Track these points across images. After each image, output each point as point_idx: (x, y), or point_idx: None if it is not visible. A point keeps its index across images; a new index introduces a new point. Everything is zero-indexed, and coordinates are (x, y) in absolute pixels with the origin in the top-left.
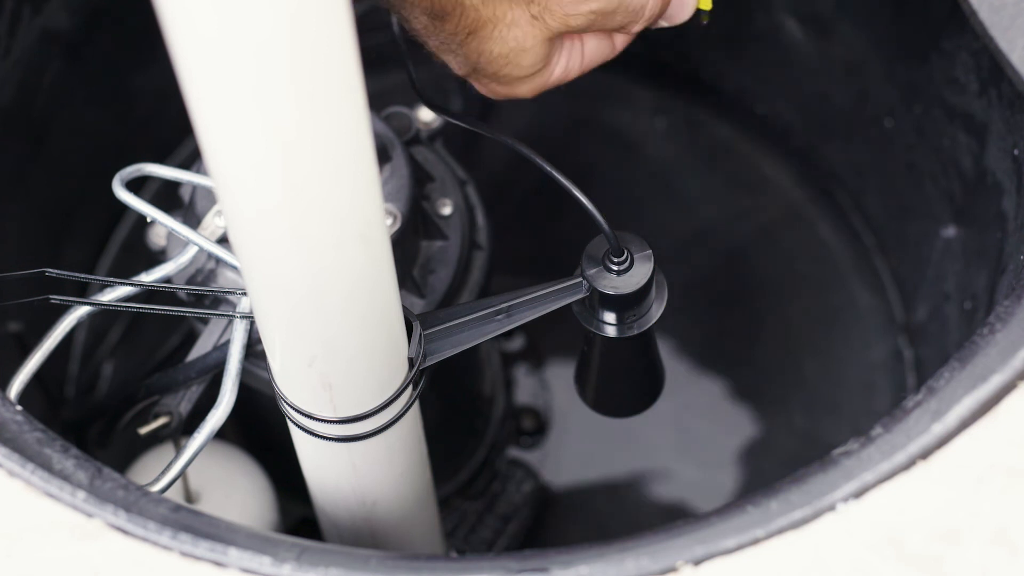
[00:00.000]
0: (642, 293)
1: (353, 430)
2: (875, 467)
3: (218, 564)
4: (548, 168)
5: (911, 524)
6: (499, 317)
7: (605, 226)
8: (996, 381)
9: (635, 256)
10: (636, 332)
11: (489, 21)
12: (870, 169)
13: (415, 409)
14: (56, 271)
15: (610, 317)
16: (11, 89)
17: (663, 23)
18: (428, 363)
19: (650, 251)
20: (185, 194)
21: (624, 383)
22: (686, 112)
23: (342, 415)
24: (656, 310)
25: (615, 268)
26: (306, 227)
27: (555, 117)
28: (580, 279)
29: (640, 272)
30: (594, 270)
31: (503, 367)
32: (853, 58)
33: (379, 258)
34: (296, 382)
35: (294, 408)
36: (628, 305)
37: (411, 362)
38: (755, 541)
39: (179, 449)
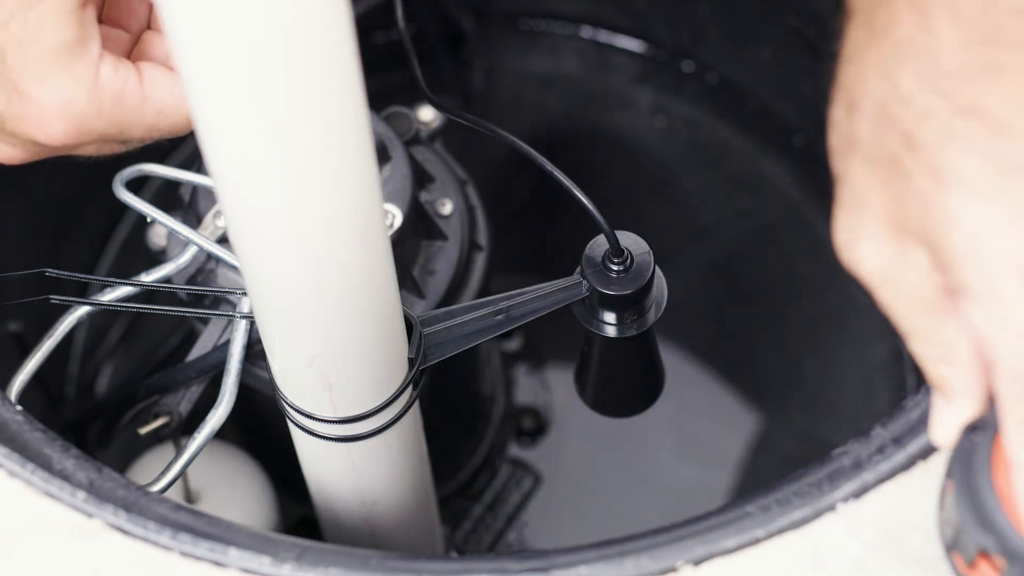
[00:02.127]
0: (642, 293)
1: (353, 430)
2: (875, 467)
3: (218, 564)
4: (548, 167)
5: (911, 524)
6: (499, 317)
7: (605, 226)
8: None
9: (635, 256)
10: (636, 332)
11: None
12: None
13: (415, 409)
14: (56, 271)
15: (610, 317)
16: None
17: None
18: (428, 363)
19: (650, 251)
20: (185, 194)
21: (624, 383)
22: (686, 112)
23: (342, 415)
24: (656, 310)
25: (615, 268)
26: (306, 227)
27: (555, 117)
28: (580, 279)
29: (640, 272)
30: (594, 270)
31: (503, 367)
32: None
33: (379, 258)
34: (296, 382)
35: (294, 408)
36: (628, 305)
37: (411, 362)
38: (755, 541)
39: (179, 449)
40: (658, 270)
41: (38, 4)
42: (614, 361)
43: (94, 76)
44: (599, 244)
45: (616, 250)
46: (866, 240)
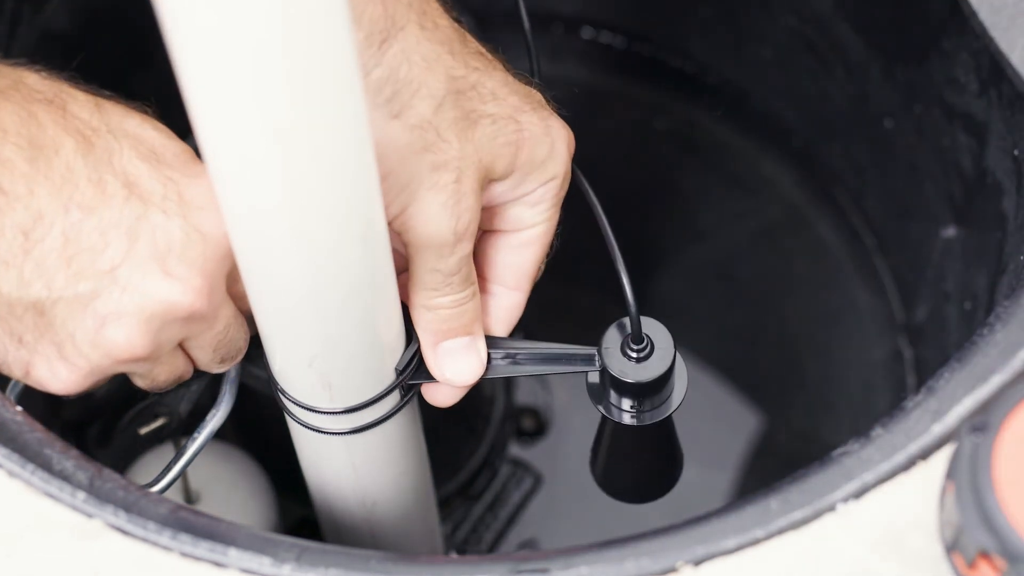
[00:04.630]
0: (656, 385)
1: (352, 421)
2: (875, 467)
3: (218, 564)
4: (598, 211)
5: (911, 524)
6: (504, 361)
7: (633, 308)
8: (996, 381)
9: (656, 346)
10: (647, 423)
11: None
12: (870, 169)
13: (415, 409)
14: None
15: (620, 401)
16: None
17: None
18: (421, 380)
19: (672, 344)
20: None
21: (631, 470)
22: (686, 112)
23: (340, 406)
24: (672, 403)
25: (633, 355)
26: (306, 228)
27: None
28: (595, 351)
29: (657, 364)
30: (611, 351)
31: None
32: (853, 58)
33: (379, 258)
34: (295, 380)
35: (291, 400)
36: (639, 394)
37: (399, 373)
38: (755, 541)
39: (179, 449)
40: (680, 360)
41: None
42: (623, 446)
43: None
44: (621, 325)
45: (636, 336)
46: None
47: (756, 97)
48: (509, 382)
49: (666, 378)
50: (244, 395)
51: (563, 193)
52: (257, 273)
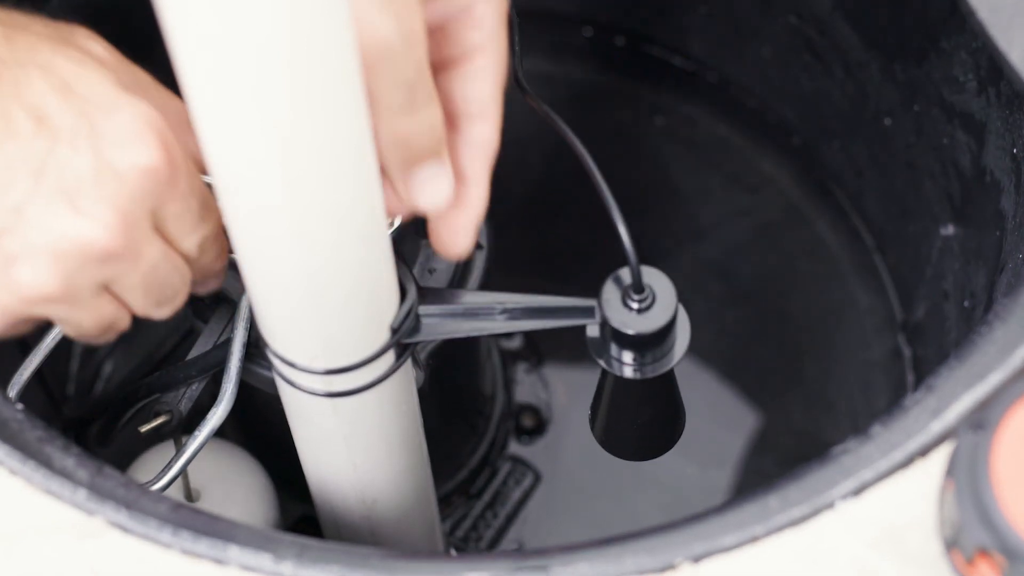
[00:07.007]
0: (656, 337)
1: (346, 382)
2: (874, 465)
3: (219, 562)
4: (597, 178)
5: (910, 522)
6: (501, 316)
7: (633, 258)
8: (995, 379)
9: (657, 296)
10: (649, 376)
11: None
12: (869, 168)
13: (414, 407)
14: None
15: (620, 354)
16: None
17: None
18: (416, 339)
19: (675, 293)
20: None
21: (633, 426)
22: (686, 111)
23: (335, 366)
24: (675, 355)
25: (634, 306)
26: (307, 227)
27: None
28: (594, 303)
29: (659, 315)
30: (611, 302)
31: (503, 365)
32: (852, 57)
33: (379, 257)
34: (289, 341)
35: (285, 361)
36: (639, 346)
37: (394, 331)
38: (754, 539)
39: (179, 447)
40: (683, 312)
41: None
42: (625, 401)
43: None
44: (621, 276)
45: (637, 286)
46: None
47: (755, 96)
48: (509, 380)
49: (669, 328)
50: (244, 393)
51: (504, 8)
52: (257, 272)
